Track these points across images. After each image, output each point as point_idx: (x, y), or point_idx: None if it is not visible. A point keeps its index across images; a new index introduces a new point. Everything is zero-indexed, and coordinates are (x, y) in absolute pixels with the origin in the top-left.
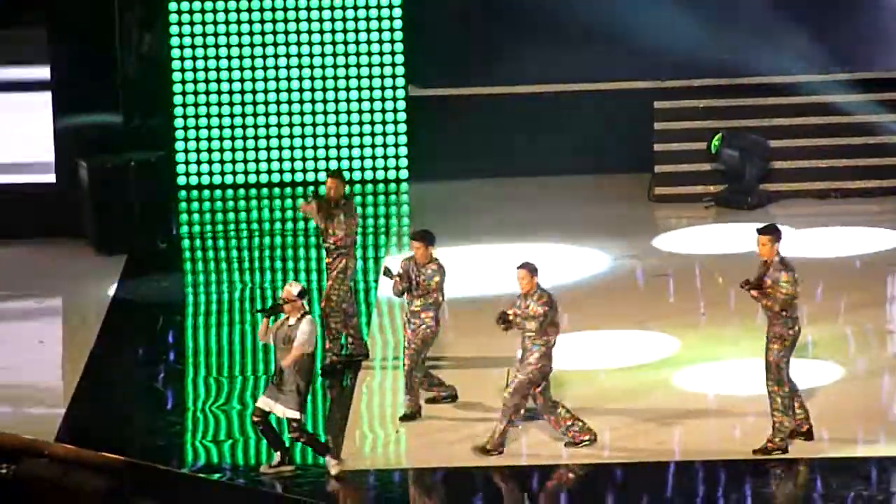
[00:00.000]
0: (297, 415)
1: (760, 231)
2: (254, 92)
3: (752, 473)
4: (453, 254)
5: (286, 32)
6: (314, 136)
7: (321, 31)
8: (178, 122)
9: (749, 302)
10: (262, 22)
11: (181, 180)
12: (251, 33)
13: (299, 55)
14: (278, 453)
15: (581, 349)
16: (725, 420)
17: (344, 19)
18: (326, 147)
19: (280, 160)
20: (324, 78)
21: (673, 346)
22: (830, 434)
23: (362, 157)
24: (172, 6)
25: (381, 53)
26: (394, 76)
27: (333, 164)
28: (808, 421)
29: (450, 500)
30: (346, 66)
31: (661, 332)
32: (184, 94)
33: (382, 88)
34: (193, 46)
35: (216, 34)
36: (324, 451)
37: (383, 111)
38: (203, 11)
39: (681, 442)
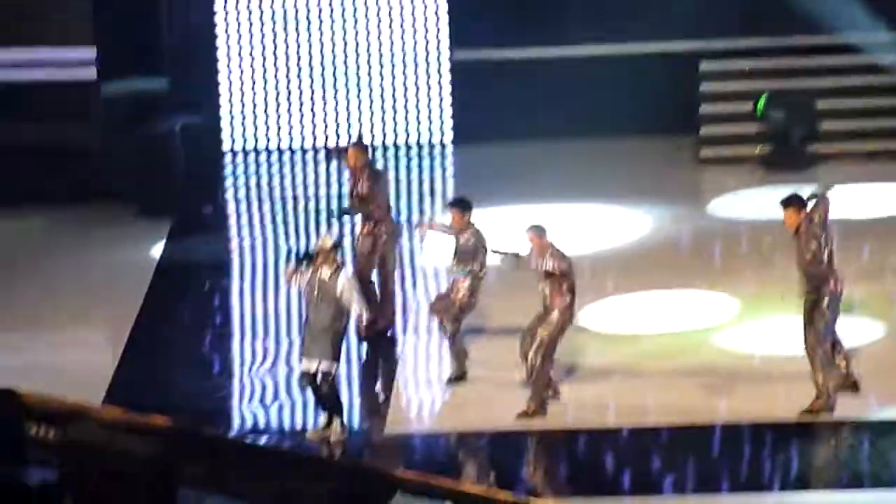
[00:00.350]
0: (331, 367)
1: (783, 203)
2: (298, 55)
3: (798, 435)
4: (498, 216)
5: None
6: (359, 98)
7: None
8: (224, 86)
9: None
10: None
11: (226, 144)
12: None
13: (344, 17)
14: (325, 417)
15: (627, 311)
16: (773, 381)
17: None
18: (371, 110)
19: (325, 123)
20: (368, 40)
21: (719, 308)
22: (878, 394)
23: (407, 120)
24: None
25: (425, 15)
26: (438, 38)
27: (378, 127)
28: (852, 374)
29: (494, 464)
30: (391, 28)
31: (707, 293)
32: (228, 57)
33: (427, 51)
34: (238, 9)
35: None
36: (339, 413)
37: (428, 73)
38: None
39: (727, 404)
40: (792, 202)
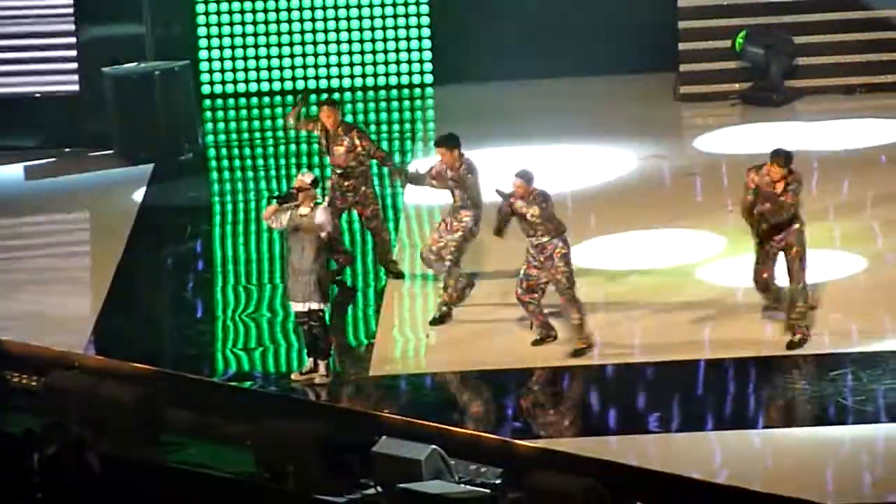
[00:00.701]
0: (320, 305)
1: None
2: None
3: (782, 369)
4: (477, 157)
5: None
6: (338, 42)
7: None
8: (202, 31)
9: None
10: None
11: (205, 89)
12: None
13: None
14: (310, 360)
15: (610, 249)
16: (755, 315)
17: None
18: (350, 53)
19: (304, 67)
20: None
21: (701, 244)
22: (860, 327)
23: (386, 63)
24: None
25: None
26: None
27: (358, 70)
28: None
29: (481, 403)
30: None
31: (689, 231)
32: (206, 2)
33: None
34: None
35: None
36: (325, 355)
37: (406, 15)
38: None
39: (711, 338)
40: (780, 155)
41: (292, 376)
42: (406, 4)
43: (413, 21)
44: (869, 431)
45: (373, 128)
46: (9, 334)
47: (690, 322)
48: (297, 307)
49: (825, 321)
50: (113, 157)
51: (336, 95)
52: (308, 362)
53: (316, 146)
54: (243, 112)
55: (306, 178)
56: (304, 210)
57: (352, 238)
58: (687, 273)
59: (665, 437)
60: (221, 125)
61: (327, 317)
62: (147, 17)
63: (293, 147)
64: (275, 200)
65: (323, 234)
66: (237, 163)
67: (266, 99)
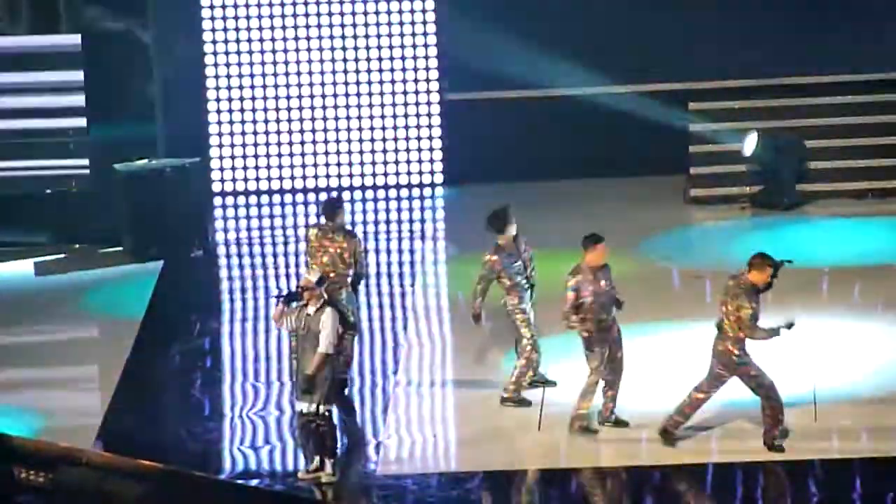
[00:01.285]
0: (325, 408)
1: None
2: (288, 97)
3: (791, 474)
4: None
5: (320, 38)
6: (349, 140)
7: (355, 36)
8: (213, 129)
9: (787, 302)
10: (296, 27)
11: (216, 186)
12: (284, 38)
13: (333, 60)
14: (317, 458)
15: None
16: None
17: (378, 23)
18: (361, 152)
19: (315, 165)
20: (359, 82)
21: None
22: (869, 432)
23: (396, 162)
24: (206, 13)
25: (414, 58)
26: (427, 80)
27: (368, 169)
28: None
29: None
30: (381, 71)
31: (697, 332)
32: (218, 99)
33: (416, 93)
34: (227, 52)
35: (250, 39)
36: (331, 454)
37: (417, 115)
38: (237, 17)
39: (719, 442)
40: (765, 259)
41: (299, 474)
42: (417, 104)
43: (424, 121)
44: None
45: (382, 227)
46: (17, 429)
47: (698, 425)
48: (300, 406)
49: (836, 427)
50: (123, 254)
51: (346, 193)
52: (315, 461)
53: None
54: (253, 209)
55: (312, 276)
56: (311, 309)
57: (360, 336)
58: (696, 374)
59: None
60: (232, 222)
61: (335, 416)
62: (158, 113)
63: (303, 245)
64: (280, 300)
65: (329, 348)
66: (247, 260)
67: (277, 196)
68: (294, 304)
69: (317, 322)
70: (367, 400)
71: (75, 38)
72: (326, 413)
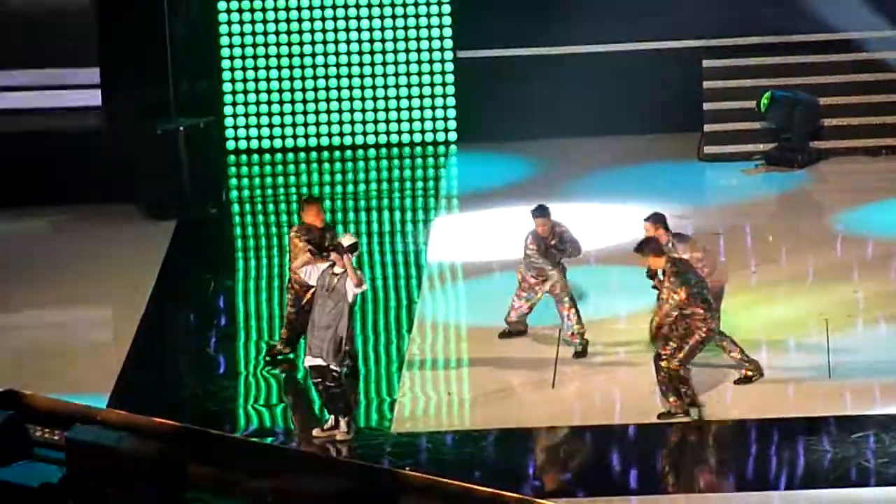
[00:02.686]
0: (337, 365)
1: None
2: (301, 55)
3: (804, 430)
4: (502, 216)
5: None
6: (362, 98)
7: None
8: (227, 87)
9: (801, 260)
10: None
11: (230, 145)
12: None
13: (346, 17)
14: (332, 416)
15: (632, 308)
16: (779, 375)
17: None
18: (375, 110)
19: (329, 123)
20: (371, 41)
21: (725, 303)
22: (882, 389)
23: (410, 120)
24: None
25: (428, 15)
26: (441, 38)
27: (382, 127)
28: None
29: (503, 461)
30: (394, 29)
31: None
32: (231, 58)
33: (430, 51)
34: (241, 10)
35: None
36: (345, 412)
37: (431, 73)
38: None
39: (733, 398)
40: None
41: (314, 432)
42: (431, 62)
43: (438, 79)
44: (891, 493)
45: (395, 185)
46: (32, 388)
47: (712, 383)
48: (309, 361)
49: (849, 383)
50: (137, 213)
51: (360, 152)
52: (329, 419)
53: (339, 201)
54: (268, 168)
55: (345, 240)
56: (338, 269)
57: (374, 294)
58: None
59: (686, 497)
60: (246, 181)
61: (342, 376)
62: (172, 73)
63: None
64: (310, 250)
65: (349, 299)
66: (261, 219)
67: (290, 155)
68: (321, 258)
69: (342, 285)
70: (381, 358)
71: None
72: (334, 373)
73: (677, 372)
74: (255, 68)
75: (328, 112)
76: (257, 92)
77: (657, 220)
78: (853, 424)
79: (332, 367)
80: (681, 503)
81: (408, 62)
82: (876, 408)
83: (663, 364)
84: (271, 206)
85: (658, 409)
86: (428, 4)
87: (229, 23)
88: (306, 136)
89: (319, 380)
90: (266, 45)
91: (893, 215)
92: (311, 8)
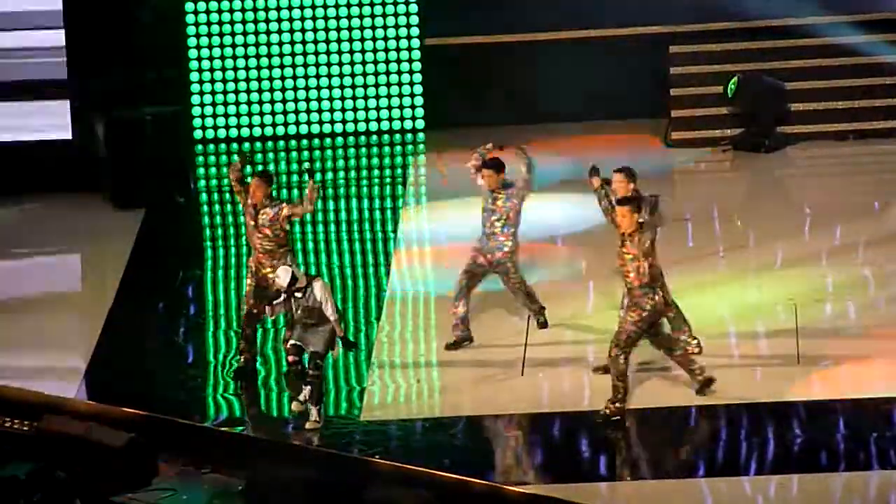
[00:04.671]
0: (322, 352)
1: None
2: (269, 44)
3: (774, 415)
4: (469, 203)
5: None
6: (330, 87)
7: None
8: (194, 76)
9: (769, 245)
10: None
11: (197, 134)
12: None
13: (314, 6)
14: (307, 388)
15: (600, 294)
16: (747, 361)
17: None
18: (342, 98)
19: (296, 112)
20: (338, 29)
21: (692, 289)
22: (852, 374)
23: (378, 108)
24: None
25: (395, 3)
26: (408, 25)
27: (350, 115)
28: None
29: (471, 448)
30: (361, 17)
31: (680, 275)
32: (198, 47)
33: (397, 38)
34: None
35: None
36: (318, 401)
37: (398, 61)
38: None
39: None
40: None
41: (292, 404)
42: (398, 50)
43: (405, 66)
44: (861, 478)
45: (364, 173)
46: (1, 379)
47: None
48: (300, 340)
49: (818, 369)
50: (104, 202)
51: (328, 141)
52: (305, 390)
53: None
54: (235, 157)
55: (282, 280)
56: (297, 294)
57: (343, 282)
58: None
59: (657, 483)
60: (213, 170)
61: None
62: (139, 61)
63: (284, 192)
64: (267, 305)
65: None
66: (229, 207)
67: (258, 144)
68: (277, 301)
69: (313, 300)
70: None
71: None
72: (319, 362)
73: (617, 359)
74: (223, 57)
75: (295, 101)
76: (224, 81)
77: (631, 174)
78: (822, 409)
79: (315, 350)
80: (649, 489)
81: (375, 50)
82: (845, 392)
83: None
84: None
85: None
86: None
87: (196, 12)
88: (273, 125)
89: (296, 359)
90: (233, 33)
91: (860, 199)
92: None
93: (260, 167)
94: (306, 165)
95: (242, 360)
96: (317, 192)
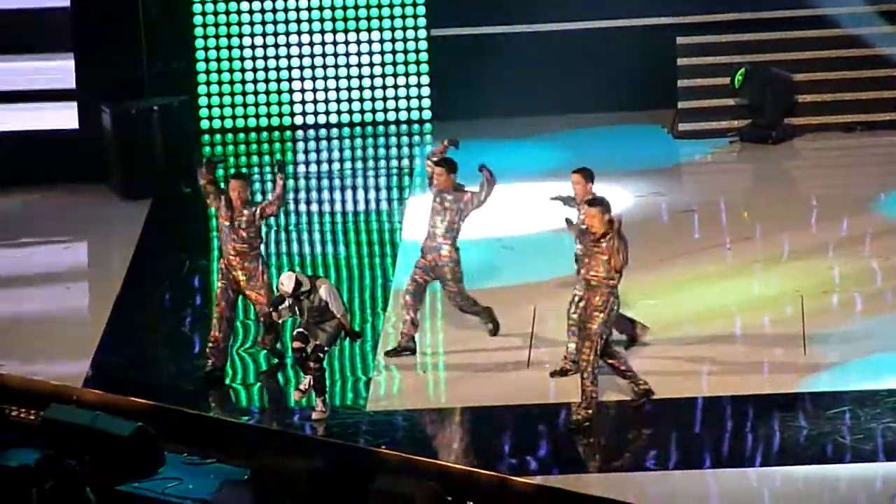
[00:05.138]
0: (325, 347)
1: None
2: (275, 34)
3: (779, 407)
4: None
5: None
6: (336, 77)
7: None
8: (201, 66)
9: (776, 236)
10: None
11: (204, 124)
12: None
13: None
14: (307, 378)
15: None
16: (753, 352)
17: None
18: (349, 88)
19: (303, 102)
20: (345, 19)
21: (699, 281)
22: (858, 365)
23: (385, 98)
24: None
25: None
26: (415, 16)
27: (356, 105)
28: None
29: (478, 439)
30: (368, 7)
31: (686, 267)
32: (205, 37)
33: (404, 28)
34: None
35: None
36: (321, 392)
37: (405, 52)
38: None
39: (708, 376)
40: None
41: (293, 393)
42: (405, 41)
43: (412, 57)
44: (867, 470)
45: (370, 163)
46: (7, 368)
47: (687, 359)
48: (307, 331)
49: (825, 359)
50: (111, 193)
51: (334, 131)
52: (305, 379)
53: (313, 180)
54: (241, 147)
55: (286, 287)
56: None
57: (349, 273)
58: (684, 310)
59: (662, 474)
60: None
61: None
62: (145, 52)
63: (291, 182)
64: (272, 312)
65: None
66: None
67: (265, 134)
68: (283, 305)
69: (318, 301)
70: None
71: None
72: (323, 354)
73: (591, 371)
74: (229, 47)
75: (302, 91)
76: (231, 71)
77: (589, 175)
78: (829, 400)
79: (325, 347)
80: (657, 480)
81: (382, 41)
82: (851, 384)
83: (582, 362)
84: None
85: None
86: None
87: (203, 2)
88: (280, 115)
89: (301, 346)
90: (240, 23)
91: (868, 191)
92: None
93: (233, 169)
94: (277, 157)
95: (210, 364)
96: (284, 186)
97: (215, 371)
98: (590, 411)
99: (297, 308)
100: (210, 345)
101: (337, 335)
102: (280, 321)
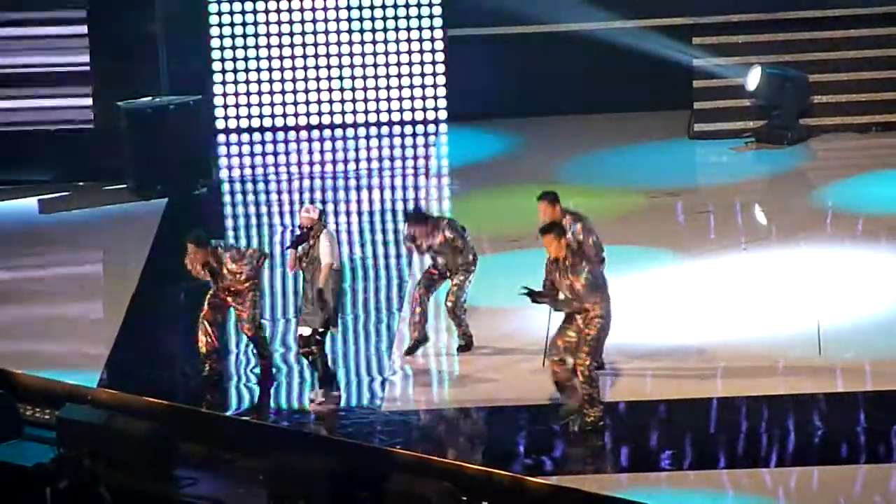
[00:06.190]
0: (320, 329)
1: (543, 231)
2: (291, 34)
3: (794, 407)
4: (493, 197)
5: None
6: (353, 77)
7: None
8: (216, 66)
9: (791, 237)
10: None
11: (220, 123)
12: None
13: None
14: (319, 390)
15: (622, 287)
16: (768, 353)
17: None
18: (365, 88)
19: (318, 102)
20: (361, 19)
21: (714, 281)
22: (874, 366)
23: (400, 98)
24: None
25: None
26: (431, 16)
27: (372, 105)
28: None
29: (493, 439)
30: (384, 7)
31: (702, 267)
32: (221, 36)
33: (420, 28)
34: None
35: None
36: (322, 380)
37: (421, 51)
38: None
39: (723, 376)
40: (550, 229)
41: (310, 407)
42: (420, 41)
43: (427, 57)
44: (882, 471)
45: (385, 163)
46: (23, 367)
47: (702, 360)
48: (303, 330)
49: (840, 361)
50: (127, 192)
51: (350, 131)
52: (318, 392)
53: (329, 179)
54: (257, 147)
55: (313, 213)
56: (312, 241)
57: (364, 273)
58: (700, 310)
59: (677, 474)
60: (236, 159)
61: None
62: (162, 51)
63: (307, 182)
64: (291, 248)
65: (333, 261)
66: (251, 197)
67: (280, 133)
68: (303, 247)
69: (317, 249)
70: (371, 336)
71: None
72: (317, 336)
73: (588, 374)
74: (245, 46)
75: (318, 90)
76: (247, 70)
77: (553, 198)
78: (844, 402)
79: (319, 330)
80: (673, 479)
81: (398, 40)
82: (867, 385)
83: (579, 367)
84: (261, 185)
85: (651, 387)
86: None
87: (219, 1)
88: (296, 115)
89: (307, 349)
90: (255, 23)
91: (883, 192)
92: None
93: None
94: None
95: (208, 369)
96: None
97: (214, 375)
98: (600, 412)
99: (301, 264)
100: (204, 351)
101: (329, 320)
102: (294, 271)
